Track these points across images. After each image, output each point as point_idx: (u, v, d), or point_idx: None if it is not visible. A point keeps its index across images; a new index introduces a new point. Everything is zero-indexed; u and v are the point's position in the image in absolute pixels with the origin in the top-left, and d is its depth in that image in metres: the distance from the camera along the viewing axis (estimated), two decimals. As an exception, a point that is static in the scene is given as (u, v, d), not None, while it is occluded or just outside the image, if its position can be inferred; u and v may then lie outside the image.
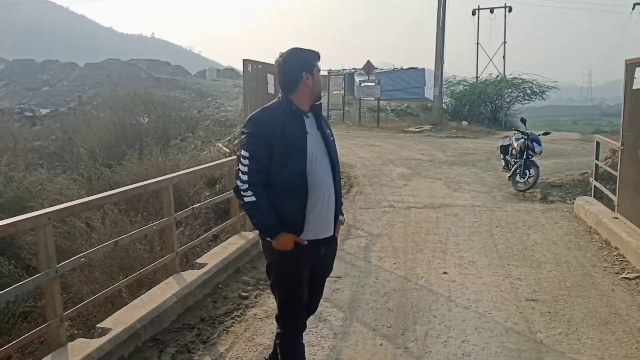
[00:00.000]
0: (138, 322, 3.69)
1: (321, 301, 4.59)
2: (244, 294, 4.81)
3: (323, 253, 2.85)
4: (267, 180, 2.63)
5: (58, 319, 3.21)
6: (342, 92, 27.25)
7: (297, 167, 2.64)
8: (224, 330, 4.11)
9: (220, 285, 4.92)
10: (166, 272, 4.71)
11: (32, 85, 38.84)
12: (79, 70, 42.02)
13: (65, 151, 14.01)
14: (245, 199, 2.66)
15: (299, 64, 2.74)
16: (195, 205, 5.38)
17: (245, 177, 2.63)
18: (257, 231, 6.02)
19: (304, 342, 3.04)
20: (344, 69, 35.32)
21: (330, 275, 5.22)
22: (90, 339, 3.43)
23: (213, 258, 5.17)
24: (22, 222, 3.02)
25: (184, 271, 4.78)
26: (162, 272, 4.89)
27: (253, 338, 3.99)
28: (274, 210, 2.66)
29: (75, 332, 4.26)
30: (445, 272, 5.42)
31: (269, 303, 4.64)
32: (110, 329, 3.51)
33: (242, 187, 2.64)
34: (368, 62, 24.98)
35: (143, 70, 43.15)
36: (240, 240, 5.82)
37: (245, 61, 5.95)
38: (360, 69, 26.91)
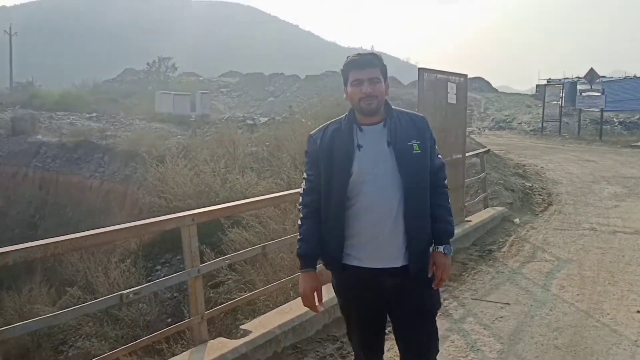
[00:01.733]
0: (278, 328, 3.74)
1: (479, 329, 4.27)
2: (398, 310, 4.61)
3: (391, 286, 2.37)
4: (320, 202, 2.41)
5: (199, 316, 3.39)
6: (561, 102, 25.18)
7: (338, 185, 2.33)
8: (367, 346, 3.97)
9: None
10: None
11: (260, 96, 42.72)
12: (300, 83, 45.14)
13: (273, 157, 15.07)
14: (299, 220, 2.49)
15: (342, 75, 2.47)
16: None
17: (300, 199, 2.49)
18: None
19: None
20: (565, 78, 32.72)
21: (498, 301, 4.84)
22: (230, 339, 3.55)
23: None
24: (168, 222, 3.26)
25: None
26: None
27: (394, 358, 3.78)
28: (312, 241, 2.40)
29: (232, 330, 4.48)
30: (639, 311, 4.61)
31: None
32: (250, 332, 3.61)
33: (300, 208, 2.50)
34: (591, 70, 22.81)
35: (358, 82, 44.77)
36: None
37: (421, 70, 5.76)
38: (583, 78, 24.68)
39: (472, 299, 4.97)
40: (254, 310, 5.32)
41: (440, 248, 2.43)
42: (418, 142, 2.36)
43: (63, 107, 32.29)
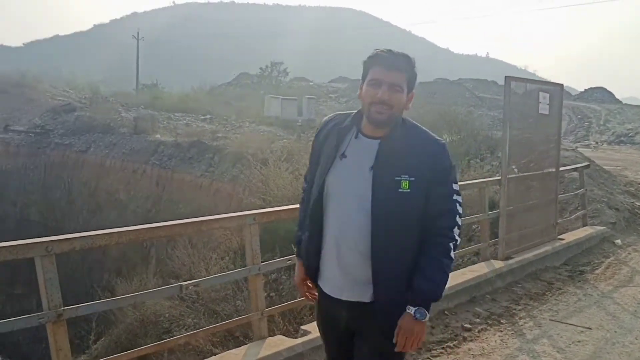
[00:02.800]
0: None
1: (551, 351, 4.10)
2: (467, 325, 4.54)
3: (347, 319, 2.10)
4: None
5: (259, 312, 3.55)
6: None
7: (315, 190, 2.09)
8: (428, 358, 3.95)
9: (445, 312, 4.74)
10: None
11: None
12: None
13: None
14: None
15: (363, 68, 2.09)
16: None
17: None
18: (507, 261, 5.68)
19: None
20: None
21: (579, 325, 4.60)
22: (288, 338, 3.69)
23: (445, 282, 4.99)
24: (230, 219, 3.44)
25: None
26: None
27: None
28: (303, 233, 2.22)
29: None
30: None
31: (491, 341, 4.29)
32: (310, 332, 3.72)
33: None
34: None
35: (467, 90, 43.82)
36: (485, 268, 5.49)
37: (507, 78, 5.60)
38: None
39: (550, 319, 4.77)
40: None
41: (411, 310, 1.98)
42: (412, 179, 1.94)
43: (181, 109, 34.30)
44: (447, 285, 4.68)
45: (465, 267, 5.85)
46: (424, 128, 2.08)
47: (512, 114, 5.67)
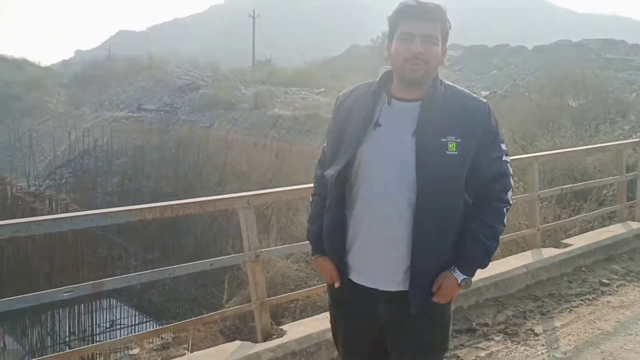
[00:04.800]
0: (481, 282, 4.13)
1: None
2: (605, 280, 4.68)
3: (385, 313, 1.90)
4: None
5: (259, 302, 3.30)
6: None
7: (339, 170, 1.87)
8: (568, 308, 4.18)
9: (583, 269, 4.89)
10: (527, 245, 4.98)
11: (482, 70, 41.70)
12: (527, 54, 42.91)
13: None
14: (310, 197, 2.13)
15: (389, 26, 1.89)
16: (565, 186, 5.40)
17: (314, 170, 2.13)
18: (645, 222, 5.66)
19: None
20: None
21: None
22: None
23: (581, 241, 5.15)
24: (222, 202, 3.25)
25: (545, 248, 4.94)
26: (525, 246, 5.16)
27: (595, 322, 3.96)
28: (319, 222, 2.02)
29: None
30: None
31: (630, 295, 4.43)
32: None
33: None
34: None
35: (593, 51, 41.17)
36: (622, 229, 5.55)
37: (648, 39, 5.50)
38: None
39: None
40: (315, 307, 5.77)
41: (459, 276, 1.86)
42: (458, 140, 1.78)
43: (296, 83, 35.30)
44: (584, 243, 4.86)
45: (598, 228, 5.92)
46: (462, 88, 1.93)
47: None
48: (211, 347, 3.30)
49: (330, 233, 1.95)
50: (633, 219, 5.83)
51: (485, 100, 1.91)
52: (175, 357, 4.79)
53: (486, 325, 3.85)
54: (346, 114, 1.91)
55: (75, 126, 30.84)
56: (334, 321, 2.09)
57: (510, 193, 1.93)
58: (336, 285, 1.97)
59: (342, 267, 1.94)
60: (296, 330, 3.23)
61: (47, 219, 2.48)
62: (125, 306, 18.36)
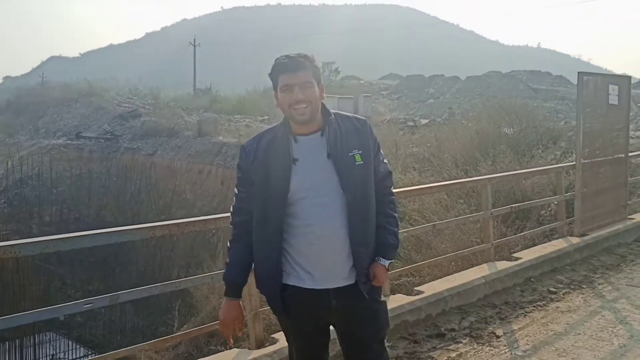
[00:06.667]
0: (446, 292, 4.55)
1: (630, 308, 4.71)
2: (552, 289, 5.19)
3: (336, 307, 2.22)
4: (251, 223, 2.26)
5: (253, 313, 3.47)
6: None
7: (276, 204, 2.17)
8: (523, 314, 4.63)
9: (532, 279, 5.39)
10: (481, 258, 5.46)
11: (420, 98, 43.27)
12: (460, 84, 44.86)
13: (434, 157, 15.70)
14: (228, 242, 2.36)
15: (271, 79, 2.25)
16: (514, 205, 5.96)
17: (230, 218, 2.34)
18: (582, 237, 6.27)
19: None
20: None
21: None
22: (408, 295, 4.45)
23: (529, 254, 5.67)
24: (222, 220, 3.42)
25: (498, 261, 5.43)
26: (479, 259, 5.64)
27: (547, 324, 4.42)
28: (239, 267, 2.29)
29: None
30: None
31: (575, 301, 4.93)
32: (423, 292, 4.48)
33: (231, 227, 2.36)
34: None
35: (521, 82, 43.52)
36: (564, 243, 6.12)
37: (580, 73, 6.19)
38: None
39: (627, 285, 5.37)
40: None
41: (385, 262, 2.27)
42: (360, 152, 2.20)
43: (239, 111, 35.54)
44: (532, 257, 5.37)
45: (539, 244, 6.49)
46: (346, 113, 2.33)
47: (585, 105, 6.25)
48: (210, 355, 3.52)
49: (269, 266, 2.21)
50: (572, 235, 6.42)
51: (364, 118, 2.34)
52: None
53: (453, 330, 4.25)
54: (263, 160, 2.19)
55: (9, 154, 29.84)
56: (289, 330, 2.38)
57: (393, 187, 2.40)
58: (232, 334, 2.32)
59: (277, 296, 2.22)
60: (288, 338, 3.51)
61: (73, 236, 2.68)
62: (65, 339, 17.77)
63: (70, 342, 17.73)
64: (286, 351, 3.35)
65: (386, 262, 2.26)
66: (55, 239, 2.64)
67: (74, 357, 16.87)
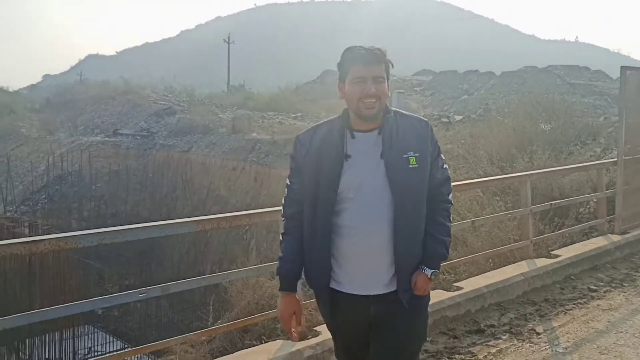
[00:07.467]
0: (485, 288, 4.56)
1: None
2: (593, 287, 5.14)
3: (375, 313, 2.17)
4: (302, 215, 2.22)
5: None
6: None
7: (325, 200, 2.12)
8: (563, 311, 4.61)
9: (572, 277, 5.36)
10: (520, 256, 5.44)
11: (453, 94, 42.85)
12: (495, 79, 44.25)
13: (469, 154, 15.58)
14: (280, 235, 2.31)
15: (338, 69, 2.20)
16: (553, 202, 5.91)
17: (282, 210, 2.30)
18: (623, 235, 6.17)
19: None
20: None
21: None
22: (447, 291, 4.48)
23: (569, 252, 5.63)
24: (267, 214, 3.50)
25: (537, 258, 5.40)
26: (516, 256, 5.61)
27: (588, 322, 4.39)
28: (292, 260, 2.24)
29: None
30: None
31: (617, 299, 4.89)
32: (462, 288, 4.49)
33: (282, 220, 2.31)
34: None
35: (559, 77, 42.71)
36: (604, 241, 6.05)
37: (623, 68, 6.09)
38: None
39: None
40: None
41: (428, 272, 2.17)
42: (416, 155, 2.11)
43: (272, 108, 35.72)
44: (572, 254, 5.34)
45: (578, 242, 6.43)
46: (407, 113, 2.26)
47: (628, 101, 6.16)
48: (254, 347, 3.61)
49: (318, 261, 2.17)
50: (612, 232, 6.34)
51: (426, 119, 2.24)
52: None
53: (493, 326, 4.26)
54: (316, 153, 2.13)
55: (50, 151, 30.66)
56: (332, 330, 2.36)
57: (451, 195, 2.28)
58: (294, 330, 2.27)
59: (326, 291, 2.19)
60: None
61: (128, 229, 2.81)
62: (102, 332, 18.20)
63: (107, 336, 18.14)
64: (329, 343, 3.45)
65: (429, 272, 2.16)
66: (112, 231, 2.76)
67: (111, 350, 17.28)
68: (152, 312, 19.10)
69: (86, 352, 16.90)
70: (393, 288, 2.13)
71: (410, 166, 2.09)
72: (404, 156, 2.09)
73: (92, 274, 22.34)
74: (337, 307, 2.19)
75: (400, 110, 2.22)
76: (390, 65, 2.15)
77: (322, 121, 2.27)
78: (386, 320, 2.16)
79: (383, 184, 2.07)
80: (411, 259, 2.14)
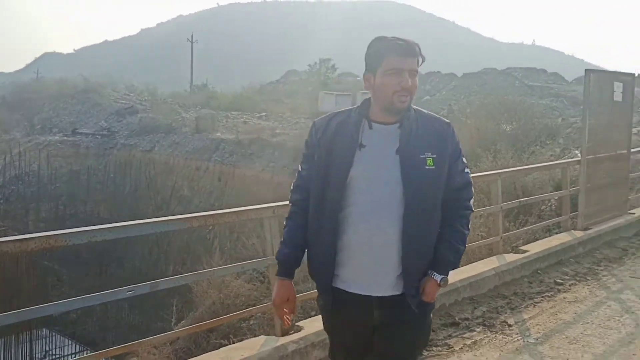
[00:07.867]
0: (458, 282, 4.68)
1: (635, 298, 4.86)
2: (559, 280, 5.33)
3: (379, 318, 2.08)
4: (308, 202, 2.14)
5: None
6: None
7: (333, 189, 2.03)
8: (532, 304, 4.77)
9: (539, 271, 5.53)
10: (491, 252, 5.60)
11: (417, 95, 43.23)
12: (457, 81, 45.01)
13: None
14: (285, 220, 2.25)
15: (367, 59, 2.06)
16: (522, 199, 6.11)
17: (290, 195, 2.23)
18: (586, 231, 6.41)
19: None
20: None
21: None
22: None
23: (536, 247, 5.81)
24: (251, 212, 3.58)
25: (506, 253, 5.57)
26: (483, 252, 5.78)
27: (556, 314, 4.56)
28: (293, 246, 2.17)
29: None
30: None
31: (582, 292, 5.08)
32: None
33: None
34: None
35: (517, 79, 43.69)
36: (568, 237, 6.26)
37: (587, 71, 6.33)
38: None
39: (630, 277, 5.52)
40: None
41: (438, 277, 2.07)
42: (434, 156, 2.01)
43: (236, 107, 35.50)
44: (538, 250, 5.52)
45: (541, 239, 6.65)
46: (429, 112, 2.18)
47: (591, 102, 6.40)
48: (240, 342, 3.64)
49: (322, 254, 2.07)
50: (575, 229, 6.57)
51: (448, 121, 2.14)
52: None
53: (467, 319, 4.38)
54: (330, 140, 2.04)
55: (8, 150, 29.82)
56: (330, 328, 2.26)
57: (472, 200, 2.19)
58: (286, 317, 2.21)
59: (329, 288, 2.10)
60: (312, 326, 3.62)
61: (118, 226, 2.78)
62: (59, 336, 17.77)
63: (64, 339, 17.74)
64: (311, 338, 3.52)
65: (439, 277, 2.06)
66: (103, 229, 2.75)
67: (68, 352, 16.90)
68: (112, 314, 18.77)
69: (43, 356, 16.51)
70: (398, 291, 2.04)
71: (427, 167, 2.00)
72: (421, 156, 2.00)
73: (49, 276, 21.79)
74: (339, 306, 2.11)
75: (421, 109, 2.13)
76: (423, 60, 2.06)
77: (338, 111, 2.18)
78: (391, 326, 2.07)
79: (396, 179, 1.98)
80: (419, 262, 2.05)
